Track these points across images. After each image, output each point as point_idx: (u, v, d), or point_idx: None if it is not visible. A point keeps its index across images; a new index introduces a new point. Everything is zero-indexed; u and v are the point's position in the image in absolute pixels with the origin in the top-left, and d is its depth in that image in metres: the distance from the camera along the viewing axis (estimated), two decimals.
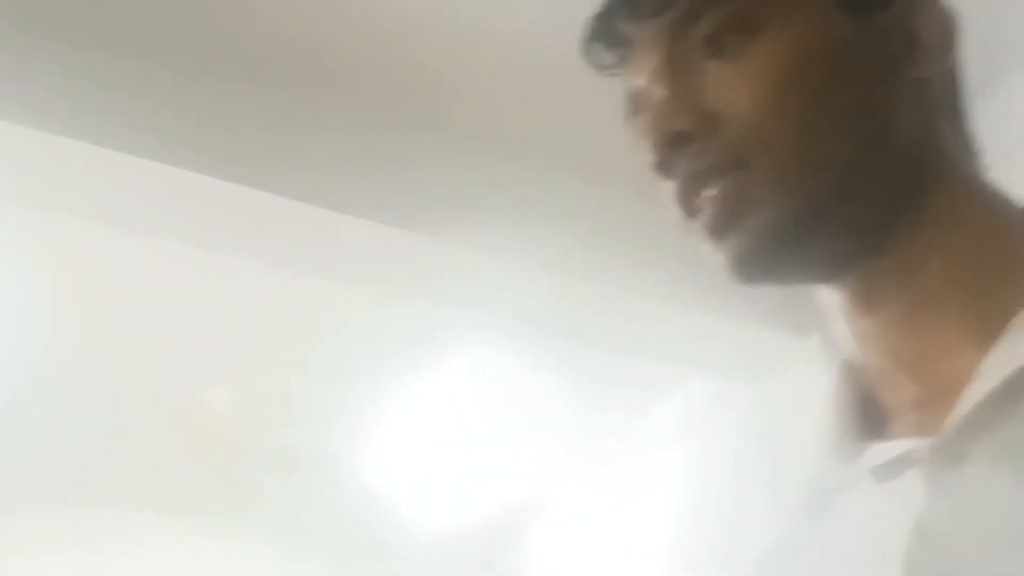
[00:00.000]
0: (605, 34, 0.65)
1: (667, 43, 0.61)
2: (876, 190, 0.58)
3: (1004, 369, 0.51)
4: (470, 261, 1.77)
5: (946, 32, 0.61)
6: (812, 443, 0.63)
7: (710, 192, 0.58)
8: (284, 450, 2.75)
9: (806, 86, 0.58)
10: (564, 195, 1.85)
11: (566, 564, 2.86)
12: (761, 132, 0.57)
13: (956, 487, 0.50)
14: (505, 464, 2.81)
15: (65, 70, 1.55)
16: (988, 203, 0.60)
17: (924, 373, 0.57)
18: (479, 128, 1.80)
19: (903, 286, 0.58)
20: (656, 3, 0.61)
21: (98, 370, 2.49)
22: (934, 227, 0.58)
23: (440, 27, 1.65)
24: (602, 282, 1.83)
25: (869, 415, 0.61)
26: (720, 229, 0.58)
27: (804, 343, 1.86)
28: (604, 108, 0.65)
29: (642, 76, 0.62)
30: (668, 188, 0.61)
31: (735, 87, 0.58)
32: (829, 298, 0.62)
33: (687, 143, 0.58)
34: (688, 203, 0.60)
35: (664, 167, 0.59)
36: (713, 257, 0.60)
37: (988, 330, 0.53)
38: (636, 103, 0.63)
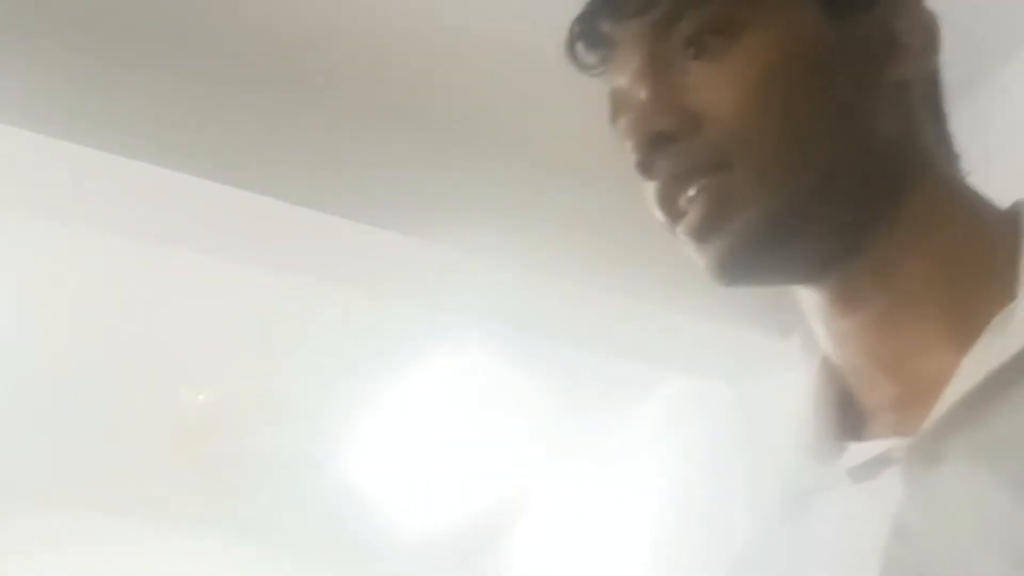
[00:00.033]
0: (588, 34, 0.65)
1: (649, 43, 0.61)
2: (857, 190, 0.58)
3: (982, 369, 0.51)
4: (452, 262, 1.77)
5: (927, 35, 0.61)
6: (791, 443, 0.63)
7: (692, 192, 0.58)
8: (267, 452, 2.74)
9: (788, 87, 0.58)
10: (545, 196, 1.85)
11: (549, 564, 2.86)
12: (743, 133, 0.57)
13: (934, 486, 0.51)
14: (487, 464, 2.81)
15: (50, 71, 1.54)
16: (966, 204, 0.60)
17: (902, 373, 0.58)
18: (463, 130, 1.80)
19: (881, 286, 0.59)
20: (638, 4, 0.61)
21: (79, 372, 2.47)
22: (913, 228, 0.59)
23: (431, 31, 1.65)
24: (583, 282, 1.83)
25: (847, 415, 0.61)
26: (703, 232, 0.58)
27: (785, 343, 1.87)
28: (589, 110, 0.65)
29: (624, 76, 0.62)
30: (650, 189, 0.61)
31: (717, 88, 0.58)
32: (807, 299, 0.62)
33: (669, 143, 0.58)
34: (670, 204, 0.60)
35: (646, 167, 0.59)
36: (696, 260, 0.60)
37: (966, 330, 0.54)
38: (618, 103, 0.63)
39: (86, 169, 1.57)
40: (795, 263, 0.60)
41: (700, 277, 0.61)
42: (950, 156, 0.63)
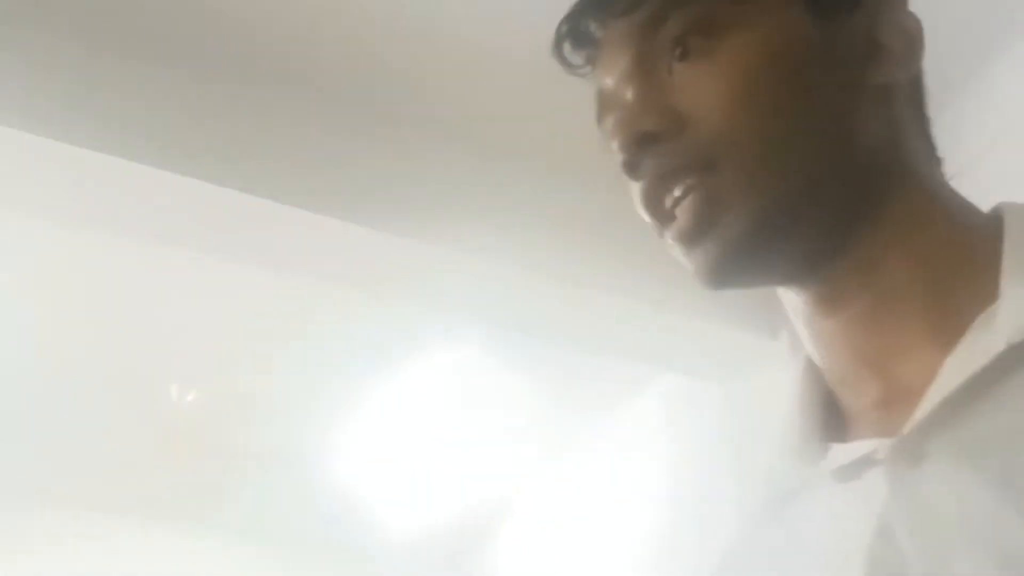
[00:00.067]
0: (574, 34, 0.65)
1: (635, 44, 0.61)
2: (842, 191, 0.59)
3: (965, 370, 0.51)
4: (441, 260, 1.77)
5: (910, 39, 0.62)
6: (777, 443, 0.63)
7: (677, 193, 0.58)
8: (253, 452, 2.73)
9: (773, 87, 0.58)
10: (536, 194, 1.85)
11: (537, 563, 2.86)
12: (730, 134, 0.57)
13: (917, 486, 0.51)
14: (476, 463, 2.81)
15: (47, 73, 1.54)
16: (948, 206, 0.61)
17: (886, 372, 0.58)
18: (452, 129, 1.80)
19: (865, 286, 0.59)
20: (624, 4, 0.61)
21: (64, 371, 2.46)
22: (896, 228, 0.59)
23: (430, 32, 1.65)
24: (572, 281, 1.83)
25: (832, 415, 0.61)
26: (692, 238, 0.58)
27: (774, 343, 1.87)
28: (579, 110, 0.65)
29: (611, 77, 0.63)
30: (635, 189, 0.61)
31: (703, 88, 0.59)
32: (791, 299, 0.63)
33: (655, 143, 0.59)
34: (656, 204, 0.60)
35: (632, 167, 0.59)
36: (684, 264, 0.60)
37: (949, 329, 0.54)
38: (605, 103, 0.64)
39: (77, 169, 1.57)
40: (781, 264, 0.60)
41: (691, 278, 0.61)
42: (933, 159, 0.63)
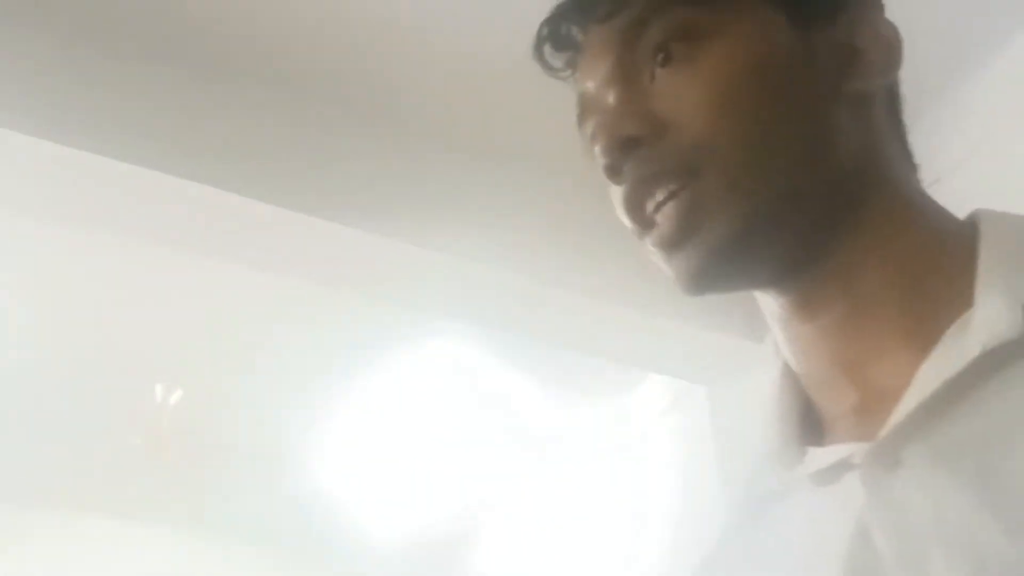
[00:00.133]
0: (555, 37, 0.65)
1: (617, 49, 0.61)
2: (821, 197, 0.59)
3: (940, 376, 0.52)
4: (427, 262, 1.77)
5: (889, 48, 0.62)
6: (757, 447, 0.64)
7: (659, 197, 0.58)
8: (237, 453, 2.72)
9: (754, 95, 0.58)
10: (524, 199, 1.85)
11: (521, 565, 2.86)
12: (712, 140, 0.58)
13: (893, 490, 0.51)
14: (462, 465, 2.81)
15: (45, 76, 1.53)
16: (925, 212, 0.61)
17: (862, 378, 0.58)
18: (444, 132, 1.80)
19: (841, 292, 0.59)
20: (604, 9, 0.61)
21: (49, 372, 2.45)
22: (872, 234, 0.59)
23: (413, 34, 1.65)
24: (558, 284, 1.83)
25: (810, 419, 0.62)
26: (673, 244, 0.59)
27: (759, 346, 1.88)
28: (570, 114, 0.65)
29: (592, 80, 0.63)
30: (617, 193, 0.61)
31: (684, 95, 0.59)
32: (769, 304, 0.63)
33: (637, 147, 0.59)
34: (637, 209, 0.60)
35: (614, 171, 0.59)
36: (665, 270, 0.60)
37: (925, 335, 0.54)
38: (586, 107, 0.64)
39: (66, 169, 1.56)
40: (761, 270, 0.60)
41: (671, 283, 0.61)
42: (909, 166, 0.64)
